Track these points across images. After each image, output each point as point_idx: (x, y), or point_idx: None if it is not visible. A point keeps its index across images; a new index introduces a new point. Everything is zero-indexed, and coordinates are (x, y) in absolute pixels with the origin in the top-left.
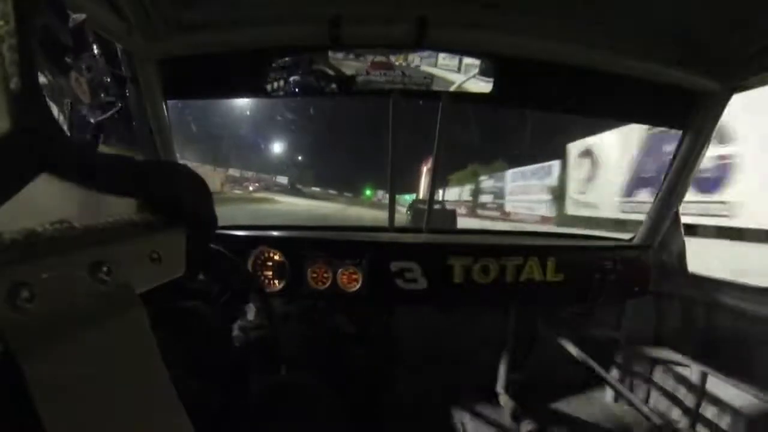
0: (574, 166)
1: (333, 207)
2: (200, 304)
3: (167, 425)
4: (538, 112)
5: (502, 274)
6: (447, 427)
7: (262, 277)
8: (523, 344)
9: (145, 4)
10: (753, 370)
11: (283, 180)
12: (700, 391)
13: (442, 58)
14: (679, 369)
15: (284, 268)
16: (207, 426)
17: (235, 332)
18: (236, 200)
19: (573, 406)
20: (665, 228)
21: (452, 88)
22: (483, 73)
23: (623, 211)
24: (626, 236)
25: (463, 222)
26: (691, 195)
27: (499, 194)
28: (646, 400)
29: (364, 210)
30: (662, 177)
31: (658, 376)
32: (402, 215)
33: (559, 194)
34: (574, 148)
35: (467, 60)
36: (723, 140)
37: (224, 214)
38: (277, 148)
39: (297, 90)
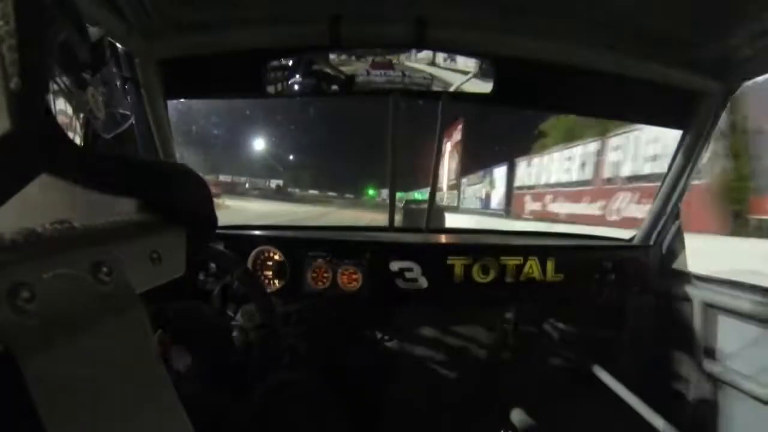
0: None
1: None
2: (201, 303)
3: (167, 425)
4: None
5: (501, 273)
6: (447, 427)
7: (262, 277)
8: (523, 344)
9: (145, 4)
10: (753, 370)
11: (278, 183)
12: (700, 391)
13: (443, 57)
14: (679, 369)
15: (284, 268)
16: (207, 426)
17: (235, 332)
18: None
19: (572, 406)
20: (665, 228)
21: (452, 88)
22: (483, 73)
23: None
24: (626, 236)
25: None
26: None
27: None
28: (646, 401)
29: (379, 215)
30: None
31: (658, 375)
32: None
33: None
34: None
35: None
36: None
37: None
38: (276, 148)
39: (297, 90)
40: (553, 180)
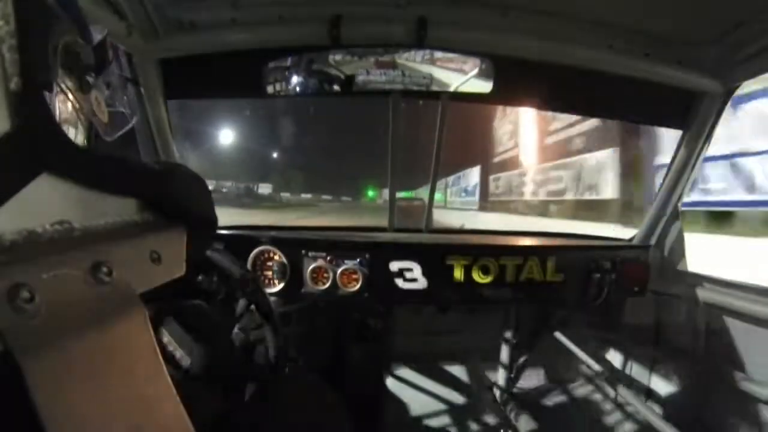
0: None
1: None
2: (201, 303)
3: (167, 425)
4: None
5: (501, 274)
6: (447, 427)
7: (262, 277)
8: (523, 344)
9: (145, 4)
10: (753, 370)
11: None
12: (700, 391)
13: (443, 57)
14: (679, 369)
15: (284, 268)
16: (207, 426)
17: (235, 332)
18: None
19: (573, 406)
20: (665, 228)
21: (452, 88)
22: (482, 72)
23: None
24: (626, 236)
25: None
26: None
27: None
28: (646, 400)
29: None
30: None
31: (658, 376)
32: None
33: None
34: None
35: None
36: None
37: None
38: (271, 149)
39: (297, 90)
40: None
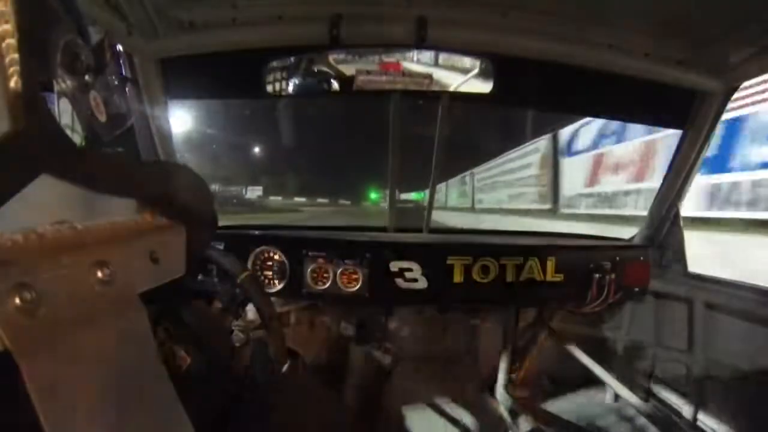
0: None
1: None
2: (201, 303)
3: (167, 425)
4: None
5: (501, 274)
6: (447, 427)
7: (262, 277)
8: (523, 344)
9: (145, 4)
10: (753, 371)
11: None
12: (700, 391)
13: (443, 57)
14: (679, 369)
15: (284, 268)
16: (207, 426)
17: (236, 332)
18: None
19: (573, 406)
20: (665, 228)
21: (452, 88)
22: (483, 73)
23: None
24: (626, 236)
25: None
26: None
27: None
28: (646, 400)
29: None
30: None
31: (658, 376)
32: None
33: None
34: None
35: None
36: None
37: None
38: (275, 150)
39: (297, 90)
40: None
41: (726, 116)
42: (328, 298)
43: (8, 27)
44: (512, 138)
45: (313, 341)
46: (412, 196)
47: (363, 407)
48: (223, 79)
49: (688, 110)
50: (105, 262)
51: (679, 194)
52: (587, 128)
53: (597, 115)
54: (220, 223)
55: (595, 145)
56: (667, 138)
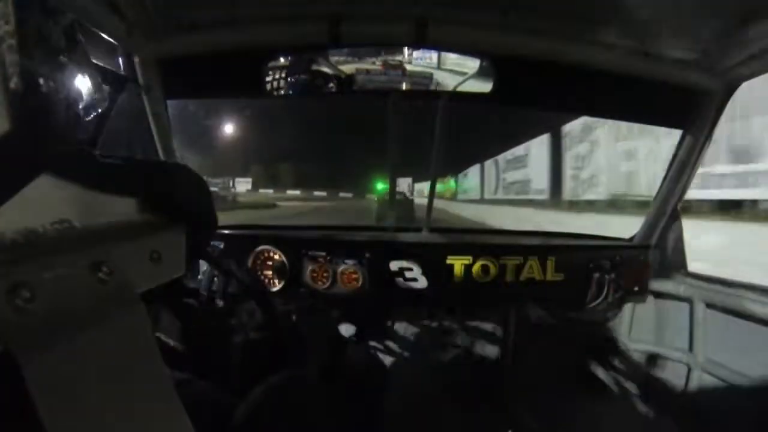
0: None
1: None
2: (200, 303)
3: (167, 425)
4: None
5: (501, 273)
6: (447, 427)
7: (262, 277)
8: (523, 344)
9: (145, 4)
10: (753, 371)
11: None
12: (699, 391)
13: (443, 57)
14: (679, 369)
15: (284, 267)
16: (208, 426)
17: (235, 332)
18: None
19: (573, 406)
20: (665, 228)
21: (452, 88)
22: (483, 73)
23: None
24: (626, 236)
25: None
26: None
27: None
28: (647, 400)
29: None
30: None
31: (658, 376)
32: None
33: None
34: None
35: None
36: None
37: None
38: (275, 150)
39: (297, 89)
40: None
41: None
42: (328, 298)
43: (9, 28)
44: (512, 138)
45: (313, 341)
46: (412, 195)
47: (363, 407)
48: (224, 78)
49: (688, 110)
50: (105, 262)
51: (679, 194)
52: None
53: (597, 115)
54: (220, 223)
55: None
56: None
